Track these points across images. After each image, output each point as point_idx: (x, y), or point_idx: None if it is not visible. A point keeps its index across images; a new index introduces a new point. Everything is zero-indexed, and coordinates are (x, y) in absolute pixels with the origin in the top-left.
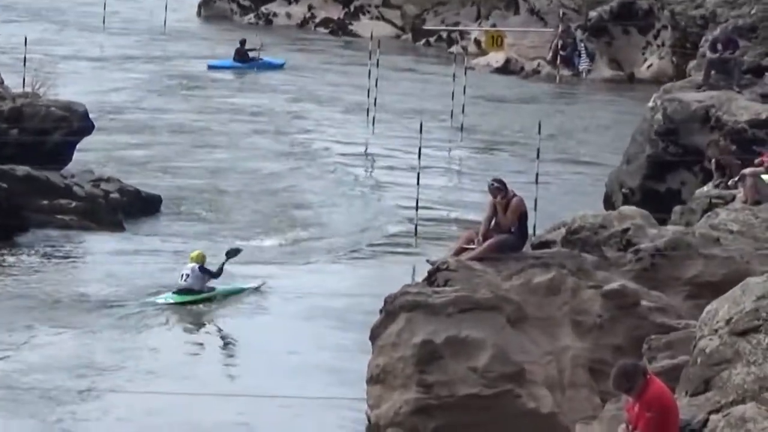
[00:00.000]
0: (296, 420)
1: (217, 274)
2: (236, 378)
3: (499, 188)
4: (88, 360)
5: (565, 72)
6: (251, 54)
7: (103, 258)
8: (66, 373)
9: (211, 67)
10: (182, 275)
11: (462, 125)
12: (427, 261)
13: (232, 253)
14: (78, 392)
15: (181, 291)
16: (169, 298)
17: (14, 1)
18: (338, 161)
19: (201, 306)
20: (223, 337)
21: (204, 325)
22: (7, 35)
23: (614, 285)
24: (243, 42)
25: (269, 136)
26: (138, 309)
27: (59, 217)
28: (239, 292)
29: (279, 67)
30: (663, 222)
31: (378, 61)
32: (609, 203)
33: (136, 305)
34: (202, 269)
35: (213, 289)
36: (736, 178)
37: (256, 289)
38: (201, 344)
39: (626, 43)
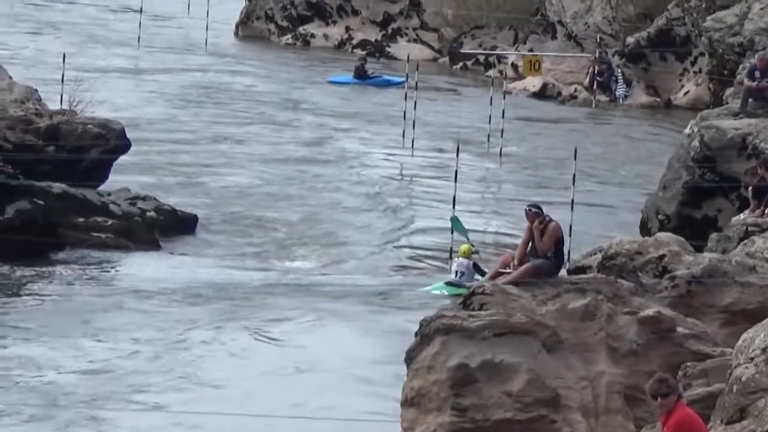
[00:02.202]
0: None
1: (483, 272)
2: (262, 396)
3: (536, 212)
4: (137, 376)
5: (602, 97)
6: (370, 72)
7: (139, 275)
8: (112, 386)
9: (332, 83)
10: (456, 271)
11: (500, 150)
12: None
13: None
14: (127, 408)
15: (451, 283)
16: (442, 289)
17: (55, 20)
18: (375, 182)
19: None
20: (255, 351)
21: (248, 335)
22: (46, 52)
23: (650, 311)
24: (363, 60)
25: (306, 154)
26: (182, 326)
27: (95, 234)
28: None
29: (398, 84)
30: (699, 249)
31: (417, 84)
32: (645, 229)
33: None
34: (475, 266)
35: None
36: None
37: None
38: (244, 357)
39: (663, 70)
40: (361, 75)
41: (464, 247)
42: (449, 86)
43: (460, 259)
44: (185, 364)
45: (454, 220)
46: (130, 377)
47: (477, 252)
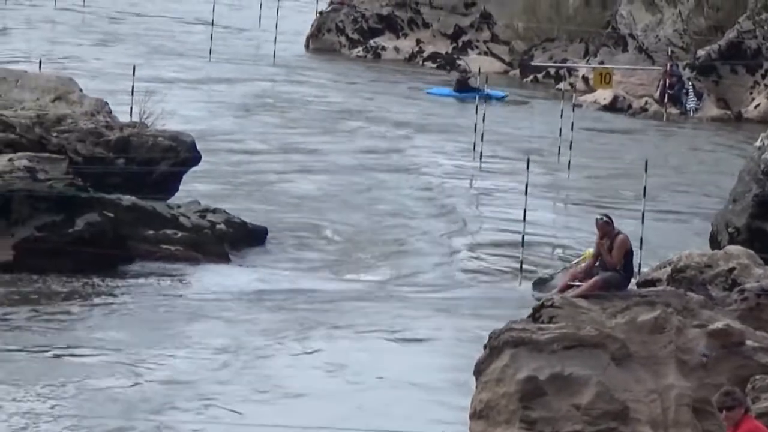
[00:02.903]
0: None
1: None
2: (337, 406)
3: (606, 222)
4: (217, 386)
5: (673, 110)
6: (473, 84)
7: (211, 287)
8: (190, 395)
9: (430, 94)
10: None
11: (569, 162)
12: (533, 296)
13: None
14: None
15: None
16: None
17: (124, 32)
18: (444, 196)
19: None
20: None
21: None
22: (115, 64)
23: (719, 324)
24: (465, 72)
25: (375, 164)
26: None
27: (165, 247)
28: None
29: (501, 99)
30: None
31: (486, 96)
32: (715, 242)
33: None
34: None
35: None
36: None
37: None
38: (320, 368)
39: (734, 83)
40: (462, 88)
41: (589, 251)
42: (520, 99)
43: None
44: (263, 374)
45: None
46: (210, 386)
47: None
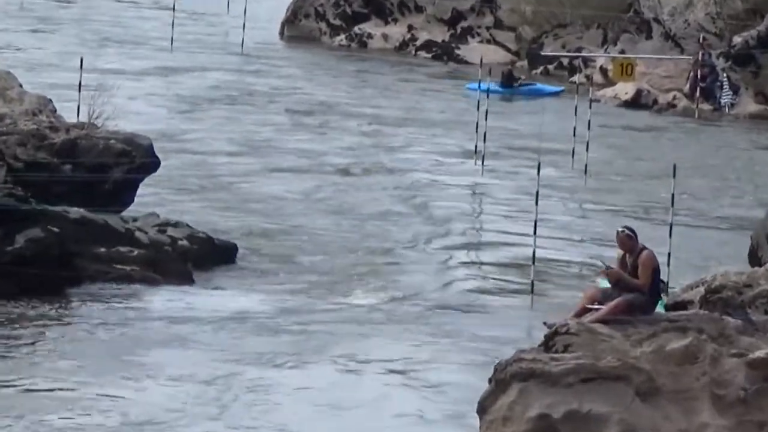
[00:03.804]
0: None
1: None
2: None
3: (629, 236)
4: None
5: (705, 106)
6: (520, 80)
7: (169, 315)
8: None
9: (469, 90)
10: None
11: (586, 167)
12: (545, 323)
13: None
14: None
15: None
16: None
17: (67, 17)
18: (441, 205)
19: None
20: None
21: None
22: (59, 55)
23: (761, 353)
24: (512, 66)
25: (360, 167)
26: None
27: (118, 267)
28: None
29: (556, 94)
30: None
31: (489, 91)
32: (755, 259)
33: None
34: None
35: None
36: None
37: None
38: (308, 396)
39: None
40: (508, 82)
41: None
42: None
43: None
44: (255, 409)
45: None
46: (177, 423)
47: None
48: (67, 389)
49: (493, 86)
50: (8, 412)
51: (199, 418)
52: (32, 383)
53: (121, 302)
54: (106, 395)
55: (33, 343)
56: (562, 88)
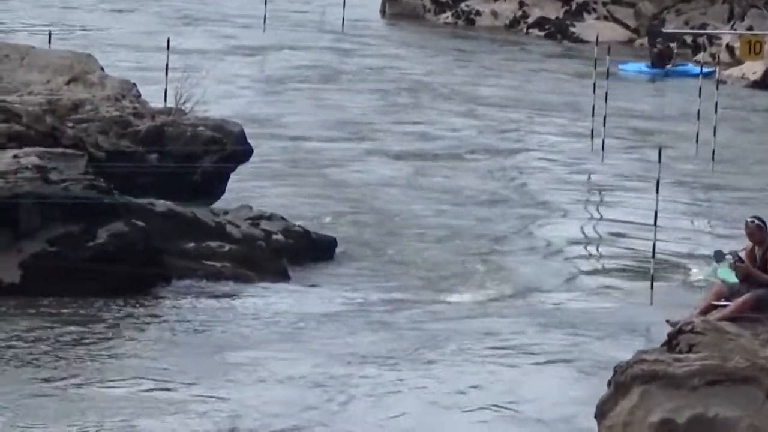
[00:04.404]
0: None
1: None
2: None
3: (759, 226)
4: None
5: None
6: (673, 60)
7: (265, 314)
8: None
9: (623, 71)
10: None
11: (713, 153)
12: (667, 321)
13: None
14: None
15: None
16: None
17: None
18: (553, 192)
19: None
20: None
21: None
22: (142, 35)
23: None
24: (662, 40)
25: (467, 163)
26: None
27: (209, 263)
28: None
29: (706, 75)
30: None
31: (608, 71)
32: None
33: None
34: None
35: None
36: None
37: None
38: (422, 398)
39: None
40: (660, 63)
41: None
42: (647, 75)
43: None
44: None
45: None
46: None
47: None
48: (167, 390)
49: (641, 67)
50: (102, 414)
51: (314, 423)
52: (131, 385)
53: (212, 301)
54: (211, 397)
55: (119, 346)
56: (712, 69)
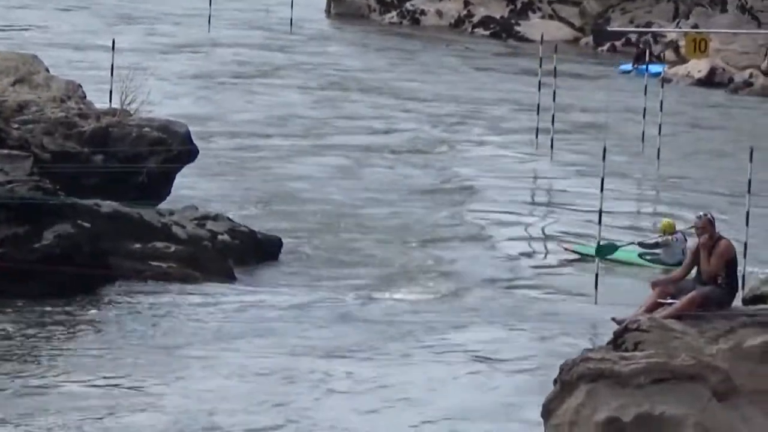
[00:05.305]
0: None
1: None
2: None
3: (710, 221)
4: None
5: None
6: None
7: (210, 314)
8: None
9: (620, 72)
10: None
11: (658, 151)
12: (613, 319)
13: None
14: None
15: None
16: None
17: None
18: (498, 194)
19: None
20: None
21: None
22: (86, 34)
23: None
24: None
25: (412, 162)
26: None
27: (155, 264)
28: None
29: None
30: None
31: (555, 70)
32: None
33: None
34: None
35: None
36: None
37: None
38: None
39: None
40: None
41: (666, 222)
42: (594, 73)
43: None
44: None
45: (602, 250)
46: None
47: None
48: (116, 386)
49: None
50: (47, 413)
51: (260, 414)
52: (85, 384)
53: (159, 301)
54: (152, 394)
55: (68, 346)
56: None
